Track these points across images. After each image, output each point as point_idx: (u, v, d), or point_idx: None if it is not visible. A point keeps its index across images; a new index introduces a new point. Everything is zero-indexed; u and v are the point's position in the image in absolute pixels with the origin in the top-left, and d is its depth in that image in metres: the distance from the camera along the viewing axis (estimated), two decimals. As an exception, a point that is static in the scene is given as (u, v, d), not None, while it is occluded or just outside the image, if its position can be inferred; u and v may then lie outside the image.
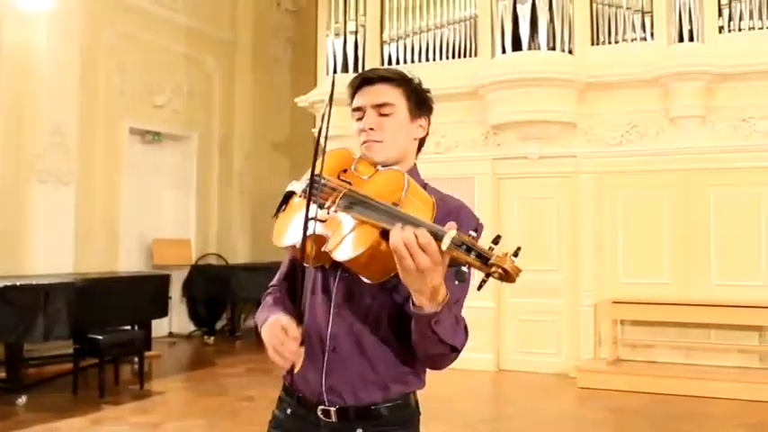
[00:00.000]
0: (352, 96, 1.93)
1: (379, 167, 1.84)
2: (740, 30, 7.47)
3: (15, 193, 8.01)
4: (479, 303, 7.74)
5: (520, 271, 1.44)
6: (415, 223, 1.54)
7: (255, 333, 1.89)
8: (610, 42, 7.90)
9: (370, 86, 1.90)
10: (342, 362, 1.81)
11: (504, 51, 7.91)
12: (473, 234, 1.48)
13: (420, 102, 1.93)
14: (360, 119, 1.90)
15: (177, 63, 10.38)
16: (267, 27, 12.15)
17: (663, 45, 7.61)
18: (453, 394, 7.08)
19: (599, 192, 7.99)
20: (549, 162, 8.16)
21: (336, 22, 8.93)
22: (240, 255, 11.43)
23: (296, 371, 1.76)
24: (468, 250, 1.45)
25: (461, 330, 1.74)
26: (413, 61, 8.65)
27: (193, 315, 10.70)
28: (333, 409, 1.82)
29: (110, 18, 9.21)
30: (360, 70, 8.74)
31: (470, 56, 8.40)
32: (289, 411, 1.92)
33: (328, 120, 1.71)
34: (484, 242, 1.62)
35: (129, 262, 9.65)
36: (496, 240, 1.49)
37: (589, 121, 7.99)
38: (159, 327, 9.50)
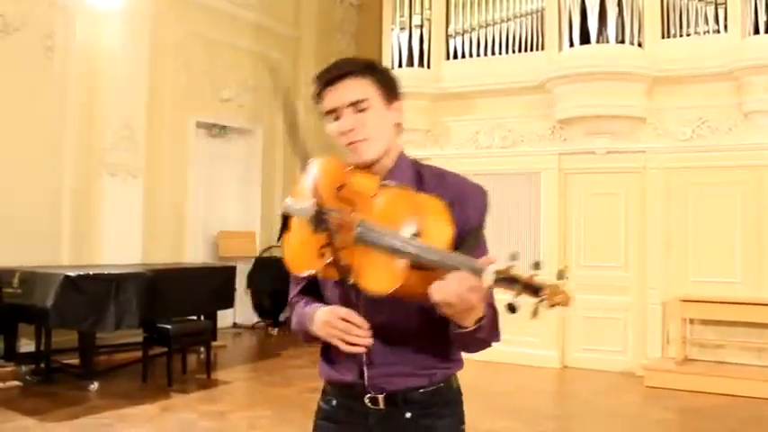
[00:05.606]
0: (319, 96, 1.84)
1: (381, 183, 1.74)
2: (819, 21, 7.22)
3: (87, 186, 8.25)
4: (544, 300, 7.57)
5: (571, 298, 1.41)
6: (451, 265, 1.50)
7: (305, 338, 1.90)
8: (681, 35, 7.69)
9: (337, 84, 1.80)
10: (381, 357, 1.79)
11: (571, 45, 7.78)
12: (513, 264, 1.44)
13: (391, 85, 1.84)
14: (336, 120, 1.81)
15: (242, 58, 10.51)
16: (331, 22, 12.21)
17: (737, 37, 7.38)
18: (518, 390, 7.04)
19: (668, 188, 7.81)
20: (617, 157, 8.01)
21: (401, 16, 8.90)
22: (303, 248, 11.48)
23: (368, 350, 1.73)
24: (512, 281, 1.43)
25: (497, 325, 1.75)
26: (478, 55, 8.60)
27: (257, 306, 10.84)
28: (381, 396, 1.81)
29: (177, 16, 9.38)
30: (425, 64, 8.72)
31: (537, 49, 8.29)
32: (335, 402, 1.92)
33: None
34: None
35: (194, 254, 9.83)
36: (537, 265, 1.45)
37: (659, 116, 7.82)
38: (224, 318, 9.63)
